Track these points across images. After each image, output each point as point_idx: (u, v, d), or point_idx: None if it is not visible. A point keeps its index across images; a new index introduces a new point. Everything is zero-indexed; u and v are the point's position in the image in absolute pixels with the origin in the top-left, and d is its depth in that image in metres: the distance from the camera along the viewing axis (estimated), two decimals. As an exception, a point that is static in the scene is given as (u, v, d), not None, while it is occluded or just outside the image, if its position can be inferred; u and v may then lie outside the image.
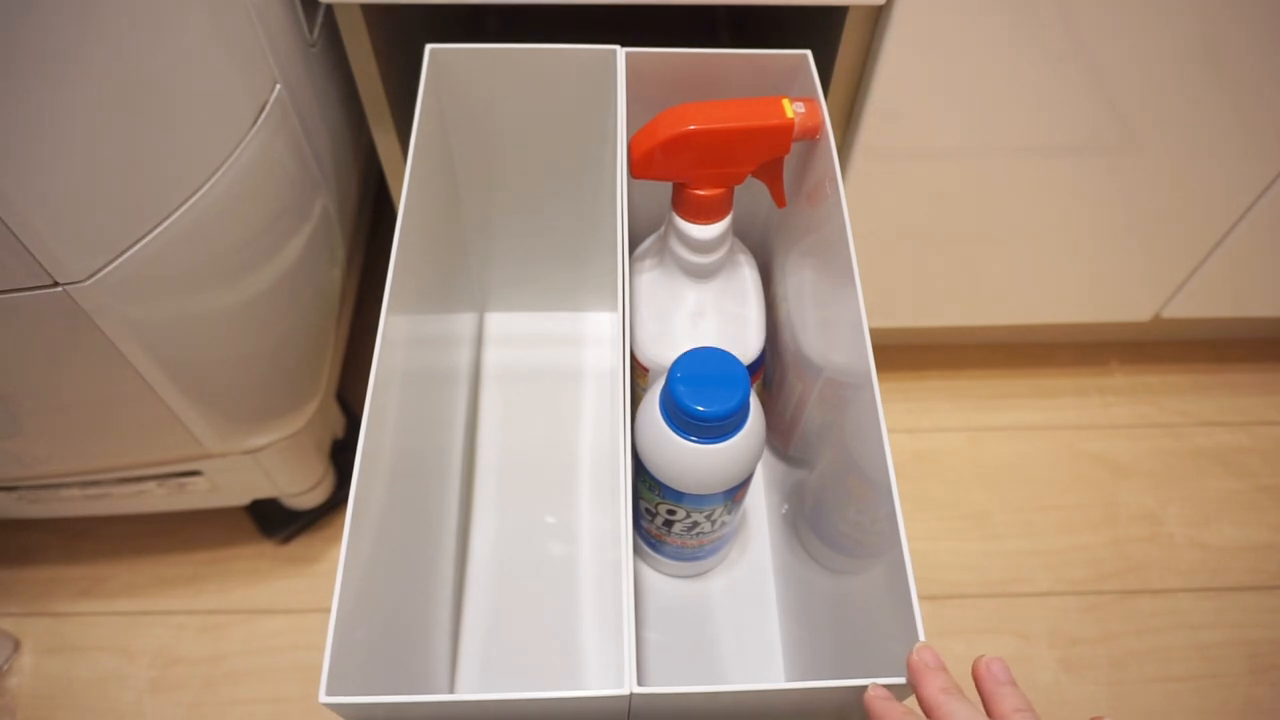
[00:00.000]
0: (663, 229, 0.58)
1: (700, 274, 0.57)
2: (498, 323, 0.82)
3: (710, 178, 0.52)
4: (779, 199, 0.55)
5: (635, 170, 0.52)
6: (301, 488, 0.97)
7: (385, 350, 0.46)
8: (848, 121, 0.84)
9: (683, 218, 0.54)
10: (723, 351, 0.51)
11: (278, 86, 0.70)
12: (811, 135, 0.52)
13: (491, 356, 0.81)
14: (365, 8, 0.73)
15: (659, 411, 0.52)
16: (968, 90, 0.81)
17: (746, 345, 0.58)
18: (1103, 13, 0.74)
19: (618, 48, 0.56)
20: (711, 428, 0.50)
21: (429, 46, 0.57)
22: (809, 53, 0.56)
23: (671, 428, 0.52)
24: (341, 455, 1.02)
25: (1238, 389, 1.23)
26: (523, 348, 0.81)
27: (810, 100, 0.52)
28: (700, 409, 0.49)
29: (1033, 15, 0.74)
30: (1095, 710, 0.99)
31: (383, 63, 0.78)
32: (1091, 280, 1.06)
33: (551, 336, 0.82)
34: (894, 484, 0.41)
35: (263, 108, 0.68)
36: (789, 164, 0.54)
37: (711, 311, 0.57)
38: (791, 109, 0.51)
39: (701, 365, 0.51)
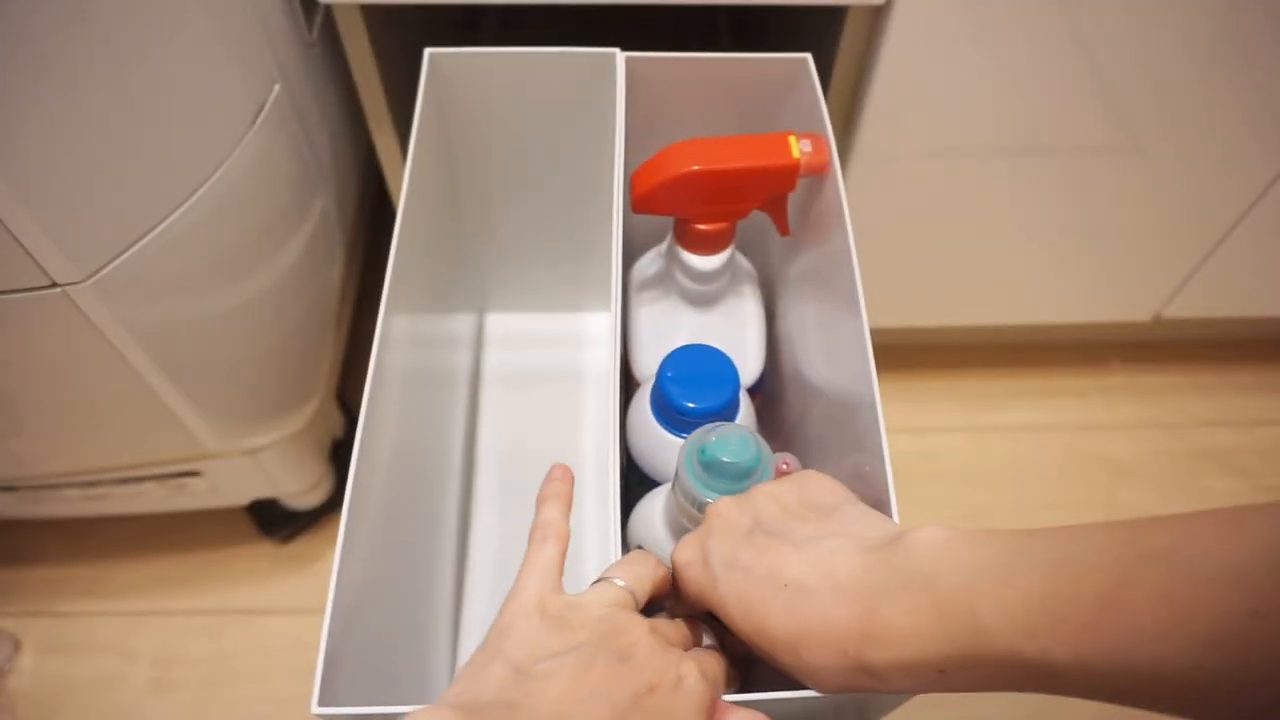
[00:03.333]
0: (665, 247, 0.57)
1: (702, 301, 0.57)
2: (497, 323, 0.82)
3: (713, 214, 0.52)
4: (782, 229, 0.55)
5: (637, 207, 0.51)
6: (301, 488, 0.97)
7: (383, 350, 0.46)
8: (847, 122, 0.84)
9: (684, 248, 0.54)
10: (712, 349, 0.51)
11: (276, 87, 0.70)
12: (817, 173, 0.51)
13: (491, 357, 0.81)
14: (364, 8, 0.73)
15: (650, 409, 0.52)
16: (968, 90, 0.80)
17: (745, 370, 0.59)
18: (1103, 12, 0.74)
19: (617, 51, 0.56)
20: (701, 424, 0.50)
21: (428, 50, 0.56)
22: (809, 56, 0.56)
23: (662, 424, 0.52)
24: (341, 455, 1.02)
25: (1238, 389, 1.22)
26: (522, 348, 0.81)
27: (816, 137, 0.51)
28: (690, 405, 0.49)
29: (1033, 15, 0.74)
30: (1095, 710, 0.99)
31: (382, 63, 0.77)
32: (1092, 280, 1.06)
33: (551, 337, 0.82)
34: (892, 494, 0.41)
35: (261, 108, 0.68)
36: (794, 191, 0.54)
37: (712, 337, 0.57)
38: (798, 147, 0.50)
39: (691, 362, 0.51)
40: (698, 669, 0.35)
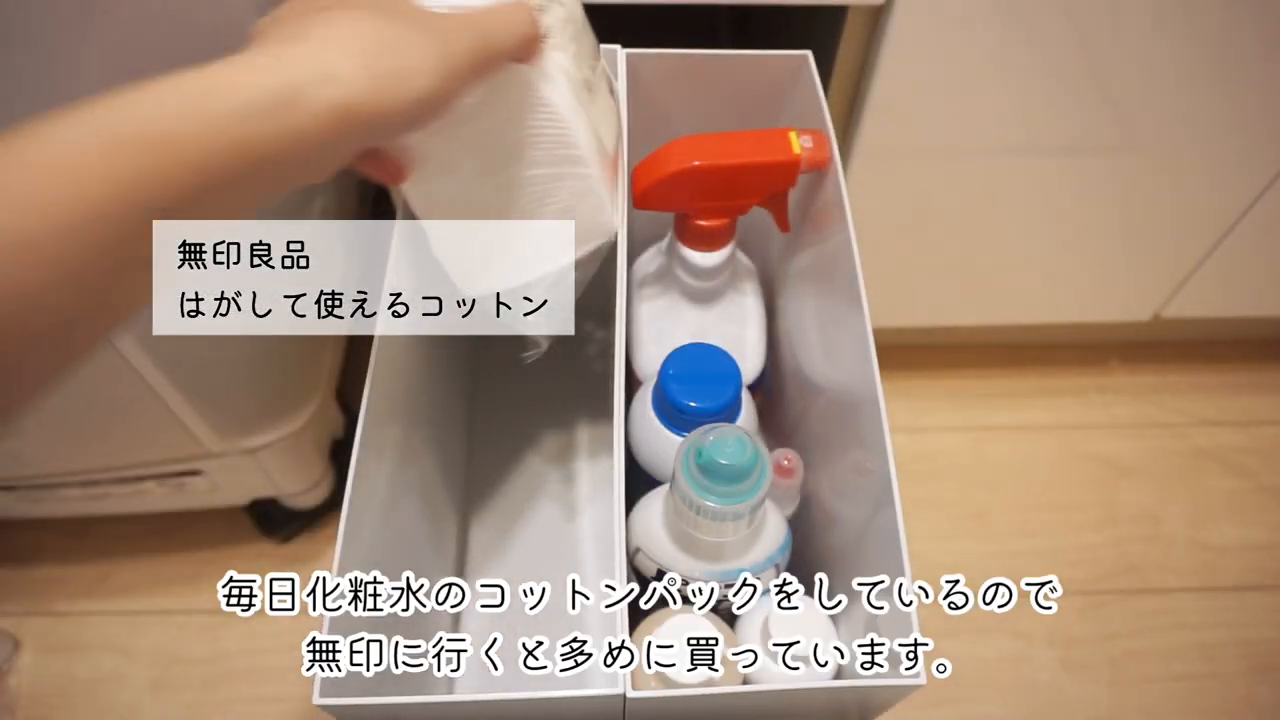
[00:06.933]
0: (665, 244, 0.58)
1: (702, 298, 0.57)
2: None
3: (714, 209, 0.52)
4: (782, 225, 0.55)
5: (638, 203, 0.51)
6: (301, 487, 0.97)
7: (382, 348, 0.46)
8: (848, 121, 0.84)
9: (685, 245, 0.54)
10: (714, 347, 0.51)
11: (277, 86, 0.70)
12: (818, 168, 0.51)
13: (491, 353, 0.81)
14: (364, 7, 0.73)
15: (651, 408, 0.52)
16: (967, 90, 0.80)
17: (746, 368, 0.59)
18: (1103, 13, 0.74)
19: (618, 48, 0.56)
20: (703, 422, 0.50)
21: (428, 46, 0.56)
22: (809, 54, 0.56)
23: (664, 423, 0.52)
24: (341, 455, 1.02)
25: (1238, 389, 1.22)
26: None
27: (817, 133, 0.51)
28: (691, 404, 0.49)
29: (1033, 15, 0.74)
30: (1095, 710, 0.99)
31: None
32: (1091, 280, 1.06)
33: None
34: (895, 488, 0.41)
35: (262, 107, 0.68)
36: (794, 188, 0.54)
37: (713, 334, 0.57)
38: (798, 143, 0.50)
39: (693, 361, 0.51)
40: None
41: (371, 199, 1.07)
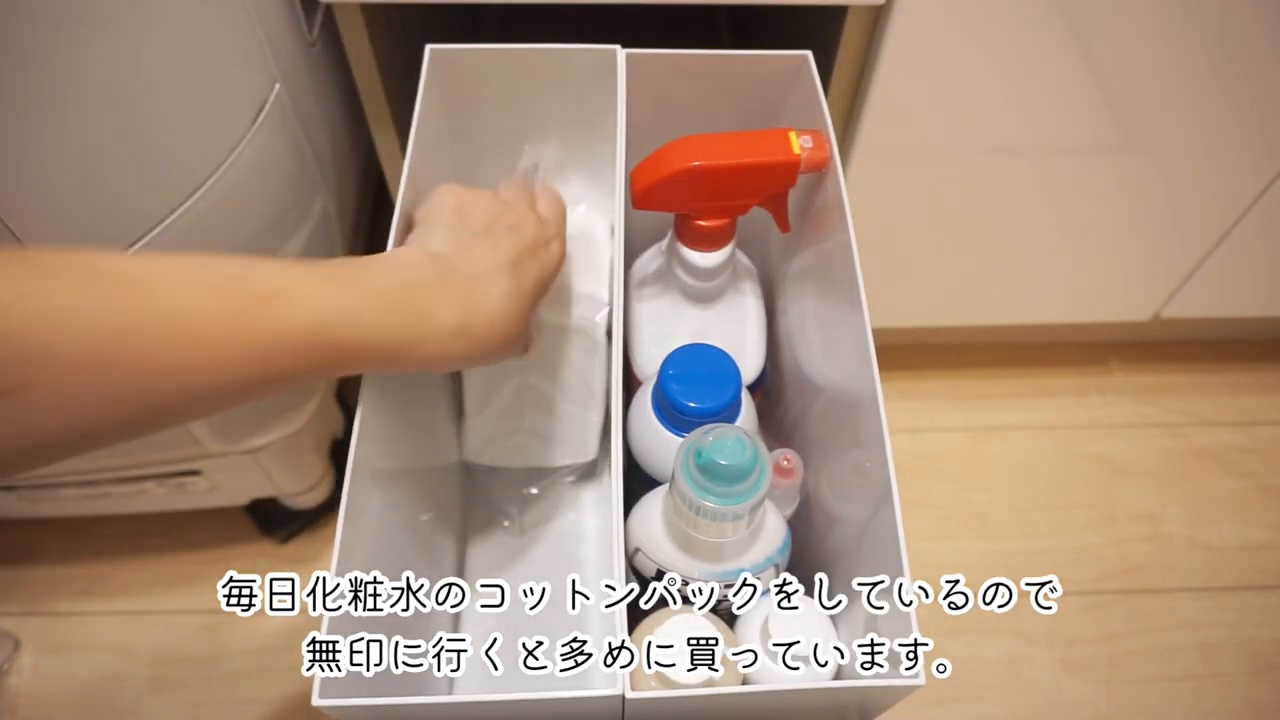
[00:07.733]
0: (665, 245, 0.57)
1: (702, 298, 0.57)
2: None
3: (714, 210, 0.52)
4: (782, 225, 0.55)
5: (637, 203, 0.51)
6: (301, 487, 0.97)
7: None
8: (848, 121, 0.84)
9: (685, 245, 0.54)
10: (714, 347, 0.51)
11: (277, 86, 0.70)
12: (818, 168, 0.51)
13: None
14: (365, 7, 0.73)
15: (651, 408, 0.52)
16: (968, 90, 0.81)
17: (746, 368, 0.59)
18: (1103, 12, 0.74)
19: (618, 48, 0.56)
20: (703, 422, 0.50)
21: (429, 46, 0.56)
22: (809, 54, 0.56)
23: (663, 423, 0.51)
24: (341, 455, 1.02)
25: (1238, 389, 1.22)
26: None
27: (817, 133, 0.51)
28: (691, 404, 0.49)
29: (1033, 15, 0.74)
30: (1095, 710, 0.99)
31: (382, 62, 0.77)
32: (1091, 280, 1.06)
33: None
34: (895, 488, 0.41)
35: (262, 107, 0.68)
36: (794, 188, 0.54)
37: (713, 334, 0.57)
38: (798, 143, 0.50)
39: (693, 361, 0.51)
40: (539, 217, 0.49)
41: (372, 199, 1.07)
